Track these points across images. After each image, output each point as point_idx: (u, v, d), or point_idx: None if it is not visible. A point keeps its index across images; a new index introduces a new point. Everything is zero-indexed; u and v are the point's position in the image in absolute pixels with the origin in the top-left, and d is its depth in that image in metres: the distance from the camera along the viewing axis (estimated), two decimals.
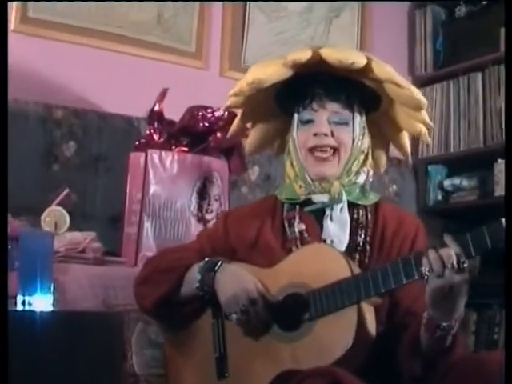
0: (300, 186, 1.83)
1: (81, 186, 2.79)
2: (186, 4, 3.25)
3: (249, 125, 2.02)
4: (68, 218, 2.15)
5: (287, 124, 1.89)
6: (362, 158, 1.84)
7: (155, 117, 2.62)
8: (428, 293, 1.53)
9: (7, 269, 1.52)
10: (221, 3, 3.38)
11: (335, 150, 1.79)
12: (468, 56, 3.66)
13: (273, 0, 3.49)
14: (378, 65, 1.80)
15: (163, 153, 2.56)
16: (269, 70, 1.81)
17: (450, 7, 3.89)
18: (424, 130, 1.92)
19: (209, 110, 2.66)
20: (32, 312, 1.48)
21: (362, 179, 1.85)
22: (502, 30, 3.34)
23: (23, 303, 1.50)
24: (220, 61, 3.35)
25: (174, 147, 2.63)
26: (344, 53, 1.78)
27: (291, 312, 1.68)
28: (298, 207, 1.84)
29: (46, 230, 2.00)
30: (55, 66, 2.90)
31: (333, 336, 1.60)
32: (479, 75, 3.63)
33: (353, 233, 1.80)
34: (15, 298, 1.51)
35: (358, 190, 1.84)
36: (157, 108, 2.60)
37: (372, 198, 1.86)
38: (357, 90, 1.84)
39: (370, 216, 1.83)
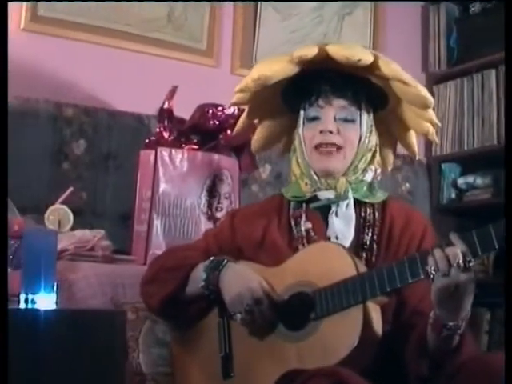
0: (306, 184, 1.82)
1: (91, 184, 2.79)
2: (196, 1, 3.24)
3: (256, 122, 2.01)
4: (72, 217, 2.15)
5: (294, 121, 1.88)
6: (369, 155, 1.83)
7: (165, 114, 2.62)
8: (434, 292, 1.52)
9: (7, 267, 1.52)
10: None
11: (340, 147, 1.78)
12: (482, 53, 3.62)
13: (283, 0, 3.47)
14: (385, 62, 1.78)
15: (173, 151, 2.56)
16: (275, 67, 1.80)
17: (464, 4, 3.86)
18: (431, 129, 1.90)
19: (219, 108, 2.65)
20: (35, 310, 1.48)
21: (369, 177, 1.84)
22: None
23: (26, 301, 1.50)
24: (231, 58, 3.34)
25: (184, 145, 2.63)
26: (351, 50, 1.77)
27: (297, 311, 1.67)
28: (304, 205, 1.83)
29: (49, 228, 1.99)
30: (66, 64, 2.91)
31: (338, 335, 1.59)
32: (493, 72, 3.60)
33: (360, 231, 1.79)
34: (19, 296, 1.51)
35: (365, 188, 1.83)
36: (166, 106, 2.60)
37: (379, 195, 1.84)
38: (364, 88, 1.83)
39: (377, 214, 1.82)
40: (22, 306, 1.49)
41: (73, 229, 2.52)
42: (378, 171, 1.87)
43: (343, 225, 1.77)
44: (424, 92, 1.79)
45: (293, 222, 1.83)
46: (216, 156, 2.63)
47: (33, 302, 1.49)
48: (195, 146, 2.64)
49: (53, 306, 1.50)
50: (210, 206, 2.59)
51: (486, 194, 3.61)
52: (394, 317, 1.72)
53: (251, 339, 1.71)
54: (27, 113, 2.68)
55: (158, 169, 2.53)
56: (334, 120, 1.79)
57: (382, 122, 1.90)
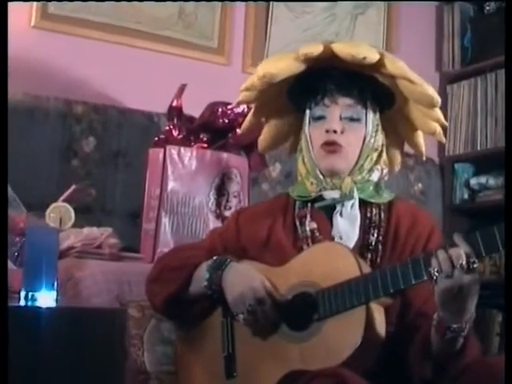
0: (311, 183, 1.81)
1: (100, 182, 2.79)
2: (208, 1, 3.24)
3: (263, 121, 2.00)
4: (73, 214, 2.16)
5: (301, 121, 1.87)
6: (375, 155, 1.82)
7: (174, 113, 2.62)
8: (437, 293, 1.50)
9: (7, 265, 1.52)
10: None
11: (345, 147, 1.77)
12: (496, 53, 3.58)
13: (294, 0, 3.46)
14: (391, 60, 1.77)
15: (182, 149, 2.56)
16: (280, 65, 1.79)
17: (479, 3, 3.83)
18: (439, 129, 1.88)
19: (229, 107, 2.64)
20: (34, 308, 1.48)
21: (375, 177, 1.82)
22: None
23: (26, 298, 1.50)
24: (242, 57, 3.33)
25: (193, 143, 2.63)
26: (356, 47, 1.75)
27: (300, 311, 1.66)
28: (309, 205, 1.82)
29: (51, 226, 1.99)
30: (76, 61, 2.92)
31: (341, 336, 1.58)
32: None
33: (365, 232, 1.77)
34: (19, 293, 1.52)
35: (371, 188, 1.81)
36: (175, 104, 2.60)
37: (386, 196, 1.83)
38: (370, 86, 1.81)
39: (383, 215, 1.80)
40: (22, 303, 1.50)
41: (81, 226, 2.52)
42: (385, 171, 1.86)
43: (348, 225, 1.76)
44: (431, 91, 1.77)
45: (298, 222, 1.82)
46: (225, 154, 2.62)
47: (33, 299, 1.49)
48: (204, 145, 2.63)
49: (53, 304, 1.50)
50: (218, 204, 2.59)
51: (499, 195, 3.57)
52: (398, 318, 1.71)
53: (254, 339, 1.71)
54: (37, 110, 2.69)
55: (166, 167, 2.52)
56: (340, 119, 1.77)
57: (390, 122, 1.89)
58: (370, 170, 1.81)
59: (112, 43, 3.03)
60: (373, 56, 1.74)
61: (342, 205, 1.77)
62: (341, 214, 1.77)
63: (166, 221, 2.51)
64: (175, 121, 2.63)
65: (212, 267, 1.74)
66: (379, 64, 1.76)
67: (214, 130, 2.66)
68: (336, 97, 1.78)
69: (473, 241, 1.48)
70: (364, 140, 1.79)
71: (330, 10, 3.56)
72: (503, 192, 3.55)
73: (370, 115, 1.80)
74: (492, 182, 3.63)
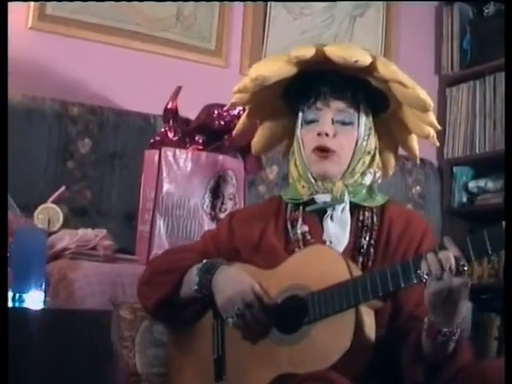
0: (303, 186, 1.80)
1: (96, 184, 2.80)
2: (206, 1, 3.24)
3: (257, 123, 2.00)
4: (61, 216, 2.16)
5: (295, 123, 1.86)
6: (367, 158, 1.81)
7: (170, 114, 2.61)
8: (427, 296, 1.50)
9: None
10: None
11: (337, 151, 1.76)
12: (495, 55, 3.58)
13: (292, 0, 3.46)
14: (383, 64, 1.76)
15: (177, 151, 2.55)
16: (272, 67, 1.79)
17: (478, 5, 3.82)
18: (432, 132, 1.87)
19: (225, 109, 2.64)
20: (20, 309, 1.47)
21: (368, 180, 1.82)
22: None
23: (14, 299, 1.50)
24: (240, 59, 3.33)
25: (188, 145, 2.62)
26: (348, 50, 1.75)
27: (290, 315, 1.65)
28: (301, 208, 1.81)
29: (39, 227, 1.99)
30: (73, 63, 2.92)
31: (330, 339, 1.58)
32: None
33: (357, 235, 1.77)
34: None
35: (364, 191, 1.81)
36: (170, 106, 2.59)
37: (379, 199, 1.83)
38: (363, 90, 1.81)
39: (375, 218, 1.80)
40: (10, 304, 1.49)
41: (77, 228, 2.53)
42: (378, 174, 1.85)
43: (338, 229, 1.75)
44: (423, 94, 1.77)
45: (289, 225, 1.81)
46: (220, 157, 2.62)
47: (21, 300, 1.49)
48: (200, 147, 2.63)
49: (40, 305, 1.50)
50: (213, 206, 2.59)
51: (498, 198, 3.56)
52: (390, 322, 1.71)
53: (245, 342, 1.70)
54: (33, 111, 2.69)
55: (161, 169, 2.52)
56: (332, 122, 1.77)
57: (384, 125, 1.88)
58: (363, 174, 1.81)
59: (109, 45, 3.03)
60: (365, 59, 1.74)
61: (333, 209, 1.77)
62: (331, 218, 1.76)
63: (160, 223, 2.51)
64: (171, 123, 2.62)
65: (202, 271, 1.74)
66: (371, 67, 1.75)
67: (210, 131, 2.65)
68: (329, 100, 1.77)
69: (462, 244, 1.47)
70: (356, 143, 1.79)
71: (328, 11, 3.55)
72: (502, 195, 3.54)
73: (363, 119, 1.80)
74: (491, 185, 3.62)
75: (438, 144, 1.93)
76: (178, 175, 2.54)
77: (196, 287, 1.73)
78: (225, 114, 2.64)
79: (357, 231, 1.78)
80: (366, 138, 1.80)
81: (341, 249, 1.73)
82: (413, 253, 1.72)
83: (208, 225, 2.54)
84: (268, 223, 1.83)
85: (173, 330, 1.89)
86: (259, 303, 1.67)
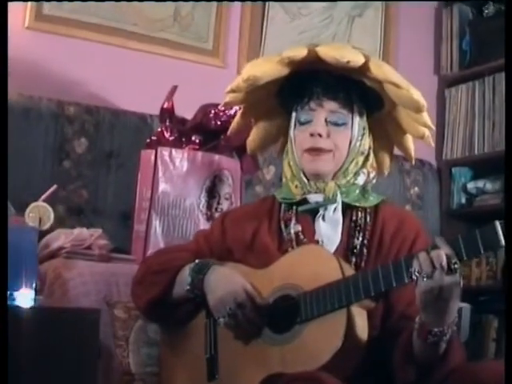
0: (296, 186, 1.80)
1: (92, 183, 2.79)
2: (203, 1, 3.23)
3: (252, 122, 2.00)
4: (52, 214, 2.15)
5: (289, 122, 1.86)
6: (361, 159, 1.81)
7: (166, 114, 2.61)
8: (418, 295, 1.49)
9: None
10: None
11: (330, 151, 1.76)
12: (495, 56, 3.57)
13: (290, 0, 3.45)
14: (376, 64, 1.76)
15: (173, 150, 2.55)
16: (264, 67, 1.79)
17: (478, 6, 3.81)
18: (427, 133, 1.87)
19: (221, 108, 2.64)
20: (10, 307, 1.47)
21: (361, 180, 1.81)
22: None
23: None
24: (238, 59, 3.32)
25: (185, 145, 2.62)
26: (340, 51, 1.75)
27: (282, 314, 1.65)
28: (294, 208, 1.81)
29: (30, 226, 1.99)
30: (70, 62, 2.92)
31: (321, 340, 1.58)
32: (504, 75, 3.54)
33: (350, 235, 1.77)
34: None
35: (357, 192, 1.80)
36: (166, 105, 2.59)
37: (372, 199, 1.82)
38: (357, 89, 1.80)
39: (368, 218, 1.79)
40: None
41: (73, 227, 2.53)
42: (372, 175, 1.85)
43: (329, 229, 1.75)
44: (416, 95, 1.76)
45: (283, 225, 1.81)
46: (216, 156, 2.62)
47: (12, 298, 1.48)
48: (196, 146, 2.63)
49: (31, 303, 1.49)
50: (209, 206, 2.58)
51: (496, 199, 3.55)
52: (382, 322, 1.71)
53: (237, 342, 1.70)
54: (30, 110, 2.69)
55: (157, 168, 2.52)
56: (325, 122, 1.76)
57: (379, 125, 1.88)
58: (356, 174, 1.80)
59: (106, 44, 3.02)
60: (357, 59, 1.73)
61: (325, 209, 1.76)
62: (323, 218, 1.76)
63: (156, 222, 2.51)
64: (167, 122, 2.62)
65: (194, 271, 1.74)
66: (364, 68, 1.75)
67: (206, 131, 2.65)
68: (322, 100, 1.77)
69: (455, 244, 1.47)
70: (350, 144, 1.78)
71: (326, 12, 3.54)
72: (501, 196, 3.54)
73: (357, 119, 1.79)
74: (489, 186, 3.61)
75: (433, 144, 1.92)
76: (174, 175, 2.54)
77: (188, 287, 1.73)
78: (221, 113, 2.64)
79: (350, 231, 1.77)
80: (359, 138, 1.80)
81: (332, 249, 1.73)
82: (406, 253, 1.71)
83: (204, 225, 2.54)
84: (261, 223, 1.83)
85: (165, 330, 1.89)
86: (251, 303, 1.66)
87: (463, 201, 3.74)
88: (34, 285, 1.52)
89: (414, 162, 2.03)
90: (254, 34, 3.37)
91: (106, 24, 3.02)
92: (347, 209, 1.79)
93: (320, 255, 1.68)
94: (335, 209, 1.76)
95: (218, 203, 2.59)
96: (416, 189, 3.64)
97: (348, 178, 1.79)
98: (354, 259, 1.74)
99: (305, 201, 1.79)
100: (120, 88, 2.99)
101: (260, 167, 2.98)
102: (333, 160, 1.76)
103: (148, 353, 2.04)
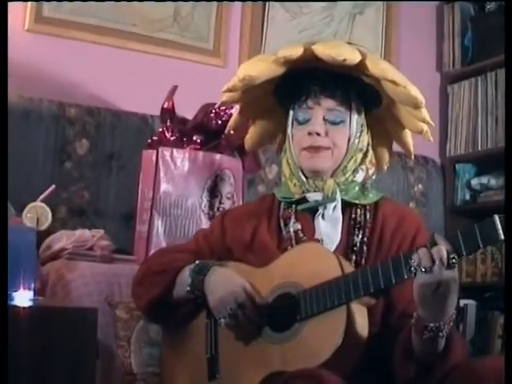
0: (294, 185, 1.80)
1: (93, 184, 2.80)
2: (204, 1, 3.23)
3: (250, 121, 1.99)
4: (50, 215, 2.16)
5: (287, 120, 1.86)
6: (359, 156, 1.80)
7: (166, 114, 2.61)
8: (416, 289, 1.48)
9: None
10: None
11: (329, 148, 1.75)
12: (496, 52, 3.55)
13: (291, 0, 3.45)
14: (373, 62, 1.75)
15: (175, 150, 2.55)
16: (260, 67, 1.79)
17: (480, 2, 3.79)
18: (426, 128, 1.86)
19: (222, 108, 2.63)
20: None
21: (360, 177, 1.81)
22: None
23: None
24: (239, 58, 3.31)
25: (186, 145, 2.62)
26: (337, 48, 1.74)
27: (282, 313, 1.65)
28: (293, 206, 1.80)
29: (28, 226, 2.00)
30: (70, 64, 2.92)
31: (321, 337, 1.57)
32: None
33: (350, 233, 1.76)
34: None
35: (356, 189, 1.80)
36: (166, 105, 2.59)
37: (371, 196, 1.81)
38: (355, 86, 1.79)
39: (368, 215, 1.79)
40: None
41: (75, 228, 2.54)
42: (371, 171, 1.84)
43: (329, 227, 1.74)
44: (414, 92, 1.74)
45: (282, 223, 1.81)
46: (218, 156, 2.62)
47: (10, 298, 1.48)
48: (197, 146, 2.63)
49: (29, 303, 1.50)
50: (211, 206, 2.58)
51: (501, 195, 3.53)
52: (383, 319, 1.70)
53: (238, 341, 1.70)
54: (30, 112, 2.69)
55: (159, 169, 2.52)
56: (324, 121, 1.76)
57: (378, 121, 1.87)
58: (354, 171, 1.80)
59: (106, 46, 3.02)
60: (353, 57, 1.72)
61: (324, 207, 1.75)
62: (323, 217, 1.75)
63: (158, 223, 2.51)
64: (168, 122, 2.62)
65: (194, 272, 1.74)
66: (361, 65, 1.74)
67: (207, 131, 2.65)
68: (319, 98, 1.76)
69: (454, 239, 1.46)
70: (348, 141, 1.78)
71: (327, 10, 3.54)
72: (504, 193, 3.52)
73: (354, 116, 1.79)
74: (493, 182, 3.60)
75: (432, 140, 1.91)
76: (175, 175, 2.54)
77: (189, 288, 1.73)
78: (222, 113, 2.64)
79: (349, 229, 1.77)
80: (358, 135, 1.79)
81: (332, 247, 1.72)
82: (406, 249, 1.70)
83: (206, 224, 2.53)
84: (261, 221, 1.82)
85: (166, 330, 1.89)
86: (251, 303, 1.66)
87: (467, 197, 3.73)
88: (32, 285, 1.53)
89: (413, 157, 2.02)
90: (255, 33, 3.36)
91: (106, 25, 3.02)
92: (346, 207, 1.78)
93: (319, 253, 1.67)
94: (335, 207, 1.75)
95: (220, 203, 2.59)
96: (420, 186, 3.63)
97: (347, 176, 1.78)
98: (354, 257, 1.73)
99: (304, 199, 1.78)
100: (121, 89, 2.99)
101: (262, 166, 2.98)
102: (331, 157, 1.76)
103: (149, 353, 2.04)
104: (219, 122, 2.64)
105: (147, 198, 2.54)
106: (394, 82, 1.73)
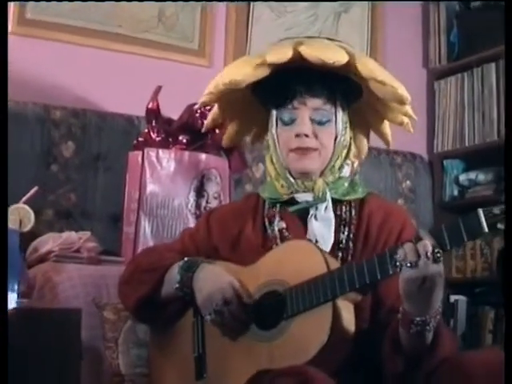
0: (282, 186, 1.78)
1: (80, 186, 2.79)
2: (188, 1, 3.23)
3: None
4: (33, 216, 2.15)
5: (264, 113, 1.84)
6: (344, 152, 1.80)
7: (151, 114, 2.61)
8: (401, 284, 1.48)
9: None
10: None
11: (317, 149, 1.75)
12: (482, 48, 3.56)
13: (276, 0, 3.45)
14: (362, 62, 1.74)
15: (160, 151, 2.55)
16: (245, 70, 1.76)
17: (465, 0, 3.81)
18: (406, 120, 1.86)
19: (207, 108, 2.62)
20: None
21: (346, 172, 1.81)
22: None
23: None
24: (224, 58, 3.31)
25: (172, 145, 2.62)
26: (324, 51, 1.72)
27: (269, 310, 1.64)
28: (278, 205, 1.80)
29: (11, 228, 1.99)
30: (55, 66, 2.92)
31: (307, 334, 1.57)
32: (493, 66, 3.54)
33: (336, 230, 1.75)
34: None
35: (346, 185, 1.80)
36: (151, 106, 2.59)
37: (361, 191, 1.81)
38: (340, 84, 1.78)
39: (354, 212, 1.78)
40: None
41: (62, 230, 2.53)
42: (356, 164, 1.84)
43: (323, 227, 1.74)
44: (401, 90, 1.74)
45: (267, 222, 1.80)
46: (204, 155, 2.61)
47: None
48: (183, 146, 2.62)
49: (14, 305, 1.49)
50: (198, 205, 2.58)
51: (489, 191, 3.55)
52: (372, 315, 1.69)
53: (225, 340, 1.69)
54: (16, 115, 2.67)
55: (145, 169, 2.52)
56: (310, 121, 1.74)
57: (356, 112, 1.86)
58: (341, 167, 1.79)
59: (91, 47, 3.02)
60: (341, 59, 1.71)
61: (316, 208, 1.75)
62: (315, 218, 1.74)
63: (145, 223, 2.51)
64: (153, 123, 2.62)
65: (183, 269, 1.73)
66: (349, 65, 1.73)
67: (193, 131, 2.65)
68: (305, 98, 1.74)
69: (438, 233, 1.46)
70: (335, 140, 1.77)
71: (312, 8, 3.53)
72: (493, 187, 3.53)
73: (340, 114, 1.78)
74: (481, 177, 3.61)
75: (412, 131, 1.91)
76: (161, 175, 2.54)
77: (177, 285, 1.72)
78: (207, 112, 2.62)
79: (336, 226, 1.76)
80: (343, 133, 1.79)
81: (327, 247, 1.71)
82: (393, 245, 1.70)
83: (193, 224, 2.52)
84: (246, 220, 1.82)
85: (154, 330, 1.88)
86: (237, 300, 1.66)
87: (456, 193, 3.74)
88: (16, 287, 1.52)
89: (390, 147, 2.00)
90: (240, 32, 3.36)
91: (90, 27, 3.01)
92: (333, 205, 1.77)
93: (305, 250, 1.66)
94: (326, 207, 1.75)
95: (207, 202, 2.59)
96: (408, 182, 3.64)
97: (334, 174, 1.78)
98: (340, 254, 1.73)
99: (292, 200, 1.78)
100: (106, 90, 2.99)
101: (248, 165, 2.98)
102: (319, 158, 1.75)
103: (138, 354, 2.03)
104: (205, 121, 2.62)
105: (134, 199, 2.54)
106: (381, 82, 1.73)
